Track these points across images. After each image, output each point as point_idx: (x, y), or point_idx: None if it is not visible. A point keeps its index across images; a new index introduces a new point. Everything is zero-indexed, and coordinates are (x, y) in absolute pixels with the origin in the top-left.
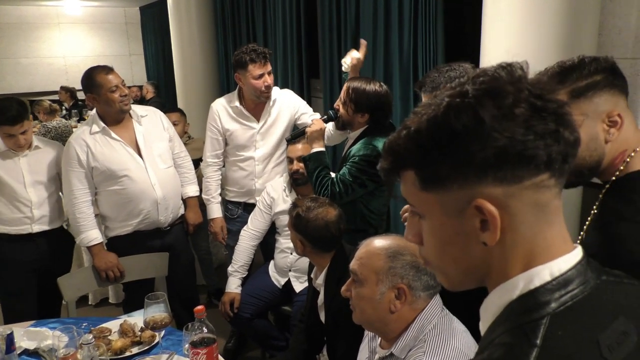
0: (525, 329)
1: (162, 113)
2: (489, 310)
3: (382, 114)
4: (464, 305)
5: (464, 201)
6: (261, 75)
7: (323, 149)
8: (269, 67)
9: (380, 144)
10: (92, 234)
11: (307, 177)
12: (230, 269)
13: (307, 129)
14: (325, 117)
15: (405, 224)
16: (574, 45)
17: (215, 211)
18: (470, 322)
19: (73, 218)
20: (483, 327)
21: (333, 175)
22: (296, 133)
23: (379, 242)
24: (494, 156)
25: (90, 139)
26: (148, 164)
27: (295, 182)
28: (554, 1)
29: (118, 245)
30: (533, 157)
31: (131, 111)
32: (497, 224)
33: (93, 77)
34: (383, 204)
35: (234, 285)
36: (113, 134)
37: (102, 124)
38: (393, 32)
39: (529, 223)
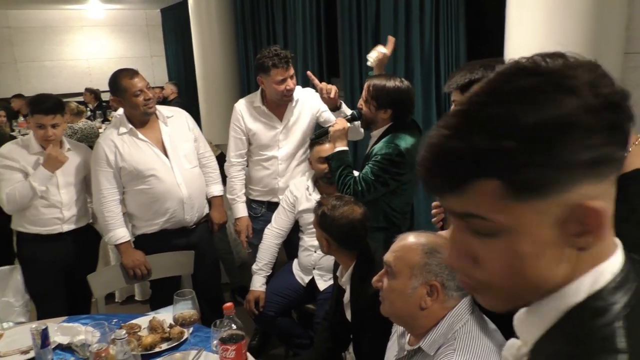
0: (601, 334)
1: (187, 114)
2: (545, 316)
3: (404, 109)
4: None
5: (566, 206)
6: (283, 80)
7: (346, 148)
8: (292, 71)
9: (402, 142)
10: (119, 232)
11: None
12: (254, 267)
13: (330, 128)
14: (349, 116)
15: (446, 235)
16: (600, 40)
17: (241, 210)
18: (499, 321)
19: (101, 217)
20: (529, 333)
21: (356, 174)
22: (320, 132)
23: (416, 238)
24: (596, 154)
25: (119, 140)
26: (174, 163)
27: (329, 181)
28: None
29: (145, 243)
30: (619, 154)
31: (157, 112)
32: (604, 223)
33: (118, 81)
34: (406, 202)
35: (258, 284)
36: (140, 135)
37: (130, 125)
38: (414, 29)
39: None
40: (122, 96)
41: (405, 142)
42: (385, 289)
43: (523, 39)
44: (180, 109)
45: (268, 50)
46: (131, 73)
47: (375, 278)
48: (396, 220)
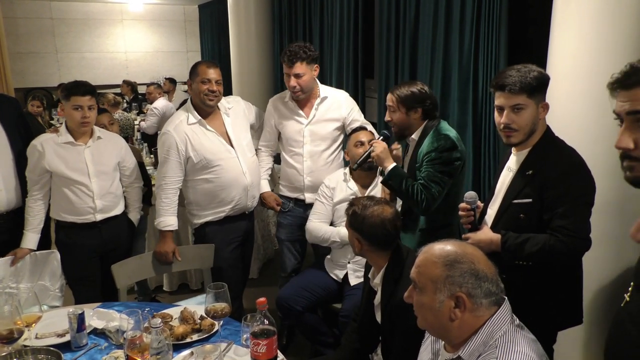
0: None
1: (239, 98)
2: None
3: (431, 104)
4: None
5: None
6: (288, 76)
7: (395, 164)
8: (297, 70)
9: (449, 132)
10: (170, 220)
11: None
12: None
13: (372, 154)
14: (381, 137)
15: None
16: None
17: (264, 186)
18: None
19: (159, 200)
20: None
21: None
22: (361, 161)
23: (437, 250)
24: None
25: (189, 130)
26: (239, 153)
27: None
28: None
29: (212, 230)
30: None
31: (218, 104)
32: None
33: (196, 66)
34: (448, 200)
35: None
36: (208, 126)
37: (198, 116)
38: (453, 33)
39: None
40: (192, 79)
41: (451, 132)
42: (415, 305)
43: (568, 48)
44: (236, 97)
45: (289, 45)
46: (212, 65)
47: (405, 294)
48: (438, 219)
